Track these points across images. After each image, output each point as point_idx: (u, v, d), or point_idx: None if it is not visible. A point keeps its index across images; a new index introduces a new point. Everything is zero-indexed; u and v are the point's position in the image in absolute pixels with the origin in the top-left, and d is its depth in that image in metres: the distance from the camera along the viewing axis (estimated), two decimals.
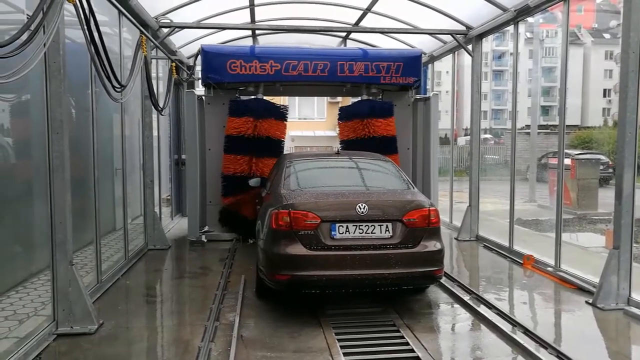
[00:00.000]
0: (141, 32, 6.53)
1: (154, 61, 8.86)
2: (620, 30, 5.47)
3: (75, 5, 4.21)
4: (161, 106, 8.02)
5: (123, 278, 6.63)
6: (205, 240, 8.77)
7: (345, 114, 9.59)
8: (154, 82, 8.73)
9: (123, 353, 4.48)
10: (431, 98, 9.33)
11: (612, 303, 5.42)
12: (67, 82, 4.64)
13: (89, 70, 5.65)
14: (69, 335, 4.63)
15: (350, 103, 10.71)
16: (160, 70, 9.70)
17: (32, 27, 3.42)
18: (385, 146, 8.74)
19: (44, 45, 3.73)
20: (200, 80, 9.36)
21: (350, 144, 9.11)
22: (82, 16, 4.31)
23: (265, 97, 8.96)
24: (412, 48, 10.22)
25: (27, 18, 3.53)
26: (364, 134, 8.98)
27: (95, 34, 4.54)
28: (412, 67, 9.07)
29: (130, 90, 5.83)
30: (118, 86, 5.34)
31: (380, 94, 9.42)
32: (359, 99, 9.46)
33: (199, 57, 8.97)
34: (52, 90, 4.53)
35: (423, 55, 9.91)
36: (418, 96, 9.64)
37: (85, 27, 4.40)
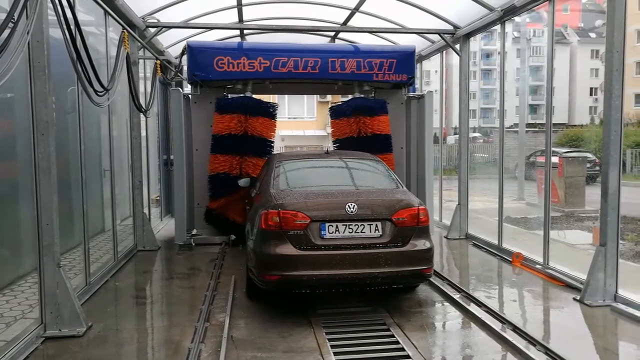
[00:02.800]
0: (123, 27, 6.40)
1: (142, 62, 8.76)
2: (605, 29, 5.53)
3: (53, 2, 4.15)
4: (144, 107, 7.86)
5: (112, 279, 6.58)
6: (194, 244, 8.56)
7: (337, 112, 9.35)
8: (142, 83, 8.67)
9: (112, 355, 4.45)
10: (425, 96, 9.06)
11: (599, 299, 5.49)
12: (52, 81, 4.59)
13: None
14: (57, 338, 4.59)
15: (340, 101, 10.50)
16: (148, 71, 9.62)
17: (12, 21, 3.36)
18: (379, 145, 8.59)
19: (27, 32, 3.63)
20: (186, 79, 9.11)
21: (344, 143, 8.91)
22: (61, 14, 4.26)
23: (254, 95, 8.75)
24: (404, 45, 9.84)
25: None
26: (357, 133, 8.78)
27: (78, 37, 4.48)
28: (406, 63, 8.83)
29: (114, 93, 5.75)
30: (100, 90, 5.22)
31: (372, 92, 9.23)
32: (350, 97, 9.27)
33: (185, 54, 8.66)
34: (37, 90, 4.47)
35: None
36: (411, 94, 9.44)
37: (65, 27, 4.33)
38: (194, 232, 8.87)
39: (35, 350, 4.36)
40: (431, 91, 9.28)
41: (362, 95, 9.04)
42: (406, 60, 8.87)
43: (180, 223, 8.48)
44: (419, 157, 9.33)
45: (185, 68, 9.31)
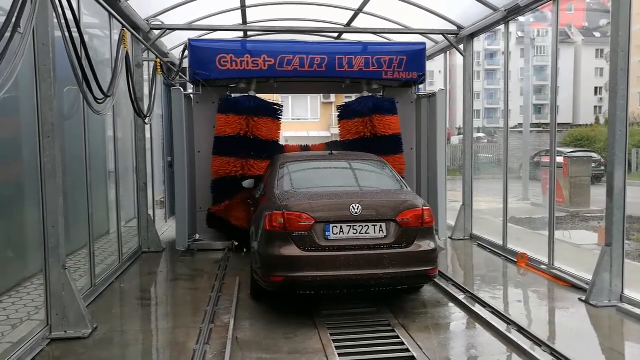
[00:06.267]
0: (123, 25, 6.24)
1: (146, 64, 8.73)
2: (610, 29, 5.52)
3: (53, 5, 4.16)
4: (145, 113, 7.58)
5: (117, 281, 6.61)
6: (196, 250, 8.30)
7: (345, 112, 8.98)
8: (146, 85, 8.64)
9: (118, 357, 4.47)
10: (437, 94, 8.60)
11: (605, 300, 5.46)
12: (57, 84, 4.61)
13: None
14: (62, 339, 4.61)
15: (347, 101, 10.21)
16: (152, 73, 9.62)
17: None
18: (390, 145, 8.37)
19: (30, 34, 3.61)
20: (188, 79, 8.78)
21: (353, 144, 8.45)
22: (62, 17, 4.26)
23: (258, 95, 8.50)
24: (414, 42, 9.29)
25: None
26: (366, 133, 8.45)
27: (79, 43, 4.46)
28: (416, 61, 8.51)
29: (114, 98, 5.62)
30: (100, 97, 5.09)
31: (381, 91, 8.90)
32: (355, 96, 8.93)
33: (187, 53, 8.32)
34: (42, 93, 4.49)
35: None
36: (422, 93, 9.16)
37: (66, 29, 4.33)
38: (197, 237, 8.69)
39: (41, 352, 4.38)
40: (443, 89, 8.87)
41: (371, 94, 8.78)
42: (417, 58, 8.57)
43: (182, 228, 8.17)
44: (429, 158, 8.96)
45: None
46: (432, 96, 8.85)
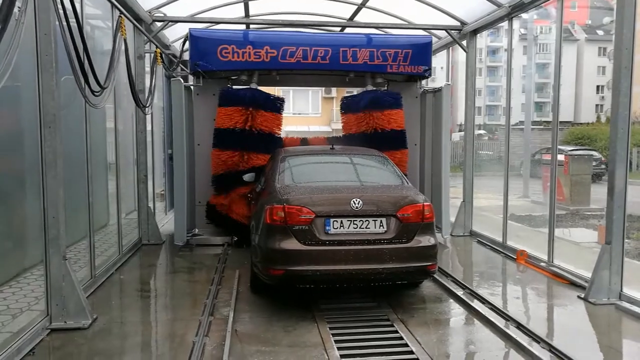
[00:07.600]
0: (120, 12, 6.02)
1: (146, 55, 8.68)
2: (613, 27, 5.50)
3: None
4: (143, 103, 7.46)
5: (117, 273, 6.62)
6: (194, 245, 8.21)
7: (348, 106, 8.85)
8: (148, 77, 8.60)
9: (117, 348, 4.48)
10: (443, 89, 8.41)
11: (604, 298, 5.47)
12: (59, 74, 4.59)
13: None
14: (62, 330, 4.62)
15: (350, 95, 10.00)
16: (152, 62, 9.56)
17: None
18: (394, 141, 8.24)
19: (22, 22, 3.55)
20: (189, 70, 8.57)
21: (355, 139, 8.31)
22: (60, 6, 4.24)
23: (259, 87, 8.36)
24: (420, 35, 9.01)
25: None
26: (370, 128, 8.28)
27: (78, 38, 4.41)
28: (422, 54, 8.33)
29: (111, 91, 5.54)
30: (97, 90, 5.01)
31: (386, 85, 8.70)
32: (357, 90, 8.94)
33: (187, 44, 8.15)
34: (44, 83, 4.47)
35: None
36: (427, 87, 9.02)
37: (64, 19, 4.29)
38: (195, 231, 8.58)
39: (41, 342, 4.39)
40: (449, 84, 8.72)
41: (375, 88, 8.58)
42: (422, 51, 8.40)
43: (180, 223, 8.03)
44: (434, 155, 8.84)
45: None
46: (437, 91, 8.68)
